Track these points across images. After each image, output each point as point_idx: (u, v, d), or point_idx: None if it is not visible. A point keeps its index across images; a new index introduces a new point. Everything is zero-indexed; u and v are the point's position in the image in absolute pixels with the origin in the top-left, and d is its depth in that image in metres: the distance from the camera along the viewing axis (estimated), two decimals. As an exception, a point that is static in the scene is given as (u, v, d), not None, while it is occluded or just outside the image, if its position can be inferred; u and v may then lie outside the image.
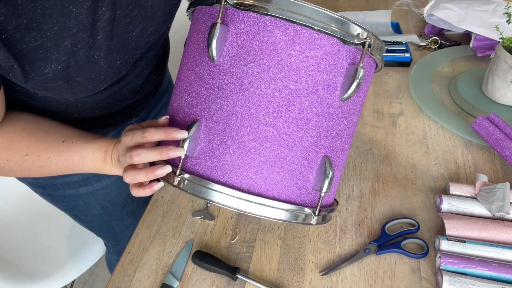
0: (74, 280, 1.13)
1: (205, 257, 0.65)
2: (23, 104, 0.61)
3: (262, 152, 0.49)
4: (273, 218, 0.49)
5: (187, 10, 0.56)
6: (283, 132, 0.49)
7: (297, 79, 0.48)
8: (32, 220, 1.18)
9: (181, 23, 0.89)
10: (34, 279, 1.04)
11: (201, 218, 0.73)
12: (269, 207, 0.49)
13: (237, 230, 0.71)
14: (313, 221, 0.51)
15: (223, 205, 0.48)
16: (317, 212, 0.51)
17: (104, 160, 0.59)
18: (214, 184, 0.48)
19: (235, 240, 0.70)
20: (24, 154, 0.56)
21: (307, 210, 0.51)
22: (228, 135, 0.49)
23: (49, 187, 0.80)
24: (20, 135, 0.56)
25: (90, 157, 0.59)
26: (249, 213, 0.48)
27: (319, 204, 0.51)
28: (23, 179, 0.81)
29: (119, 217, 0.91)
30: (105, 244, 1.12)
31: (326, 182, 0.50)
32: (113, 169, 0.60)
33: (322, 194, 0.51)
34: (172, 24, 0.69)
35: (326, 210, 0.54)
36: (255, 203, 0.48)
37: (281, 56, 0.47)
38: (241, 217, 0.73)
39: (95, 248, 1.13)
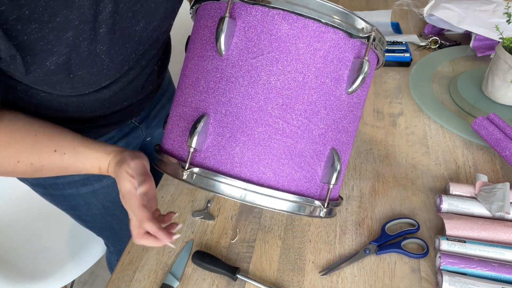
0: (74, 280, 1.13)
1: (205, 257, 0.65)
2: (24, 103, 0.61)
3: (271, 144, 0.49)
4: (283, 210, 0.50)
5: (191, 7, 0.56)
6: (292, 124, 0.49)
7: (305, 71, 0.48)
8: (32, 220, 1.18)
9: (182, 23, 0.89)
10: (34, 279, 1.04)
11: (201, 218, 0.73)
12: (279, 199, 0.49)
13: (237, 230, 0.71)
14: (322, 214, 0.52)
15: (233, 198, 0.48)
16: (326, 205, 0.51)
17: (99, 171, 0.60)
18: (223, 177, 0.48)
19: (235, 240, 0.70)
20: (15, 161, 0.55)
21: (317, 202, 0.51)
22: (238, 127, 0.49)
23: (50, 187, 0.80)
24: (8, 141, 0.55)
25: (85, 170, 0.60)
26: (259, 205, 0.49)
27: (328, 196, 0.52)
28: (23, 179, 0.82)
29: (120, 217, 0.91)
30: (105, 244, 1.12)
31: (335, 174, 0.51)
32: (110, 174, 0.60)
33: (331, 186, 0.51)
34: (173, 25, 0.69)
35: (332, 204, 0.54)
36: (265, 195, 0.49)
37: (289, 49, 0.48)
38: (241, 217, 0.73)
39: (95, 248, 1.13)
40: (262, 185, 0.49)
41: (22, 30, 0.45)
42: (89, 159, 0.58)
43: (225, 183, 0.48)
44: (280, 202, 0.49)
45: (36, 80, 0.53)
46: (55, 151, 0.57)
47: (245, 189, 0.48)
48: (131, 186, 0.54)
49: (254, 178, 0.49)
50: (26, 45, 0.47)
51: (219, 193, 0.48)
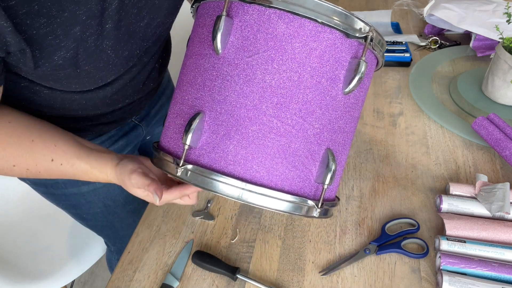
0: (74, 280, 1.13)
1: (205, 257, 0.65)
2: (28, 101, 0.61)
3: (265, 143, 0.49)
4: (276, 209, 0.50)
5: (192, 6, 0.56)
6: (286, 123, 0.49)
7: (301, 71, 0.48)
8: (32, 220, 1.18)
9: (182, 24, 0.89)
10: (34, 279, 1.04)
11: (201, 218, 0.73)
12: (272, 198, 0.49)
13: (237, 230, 0.71)
14: (316, 214, 0.52)
15: (225, 195, 0.48)
16: (319, 205, 0.51)
17: (96, 181, 0.60)
18: (217, 175, 0.48)
19: (235, 240, 0.70)
20: (11, 164, 0.56)
21: (310, 202, 0.51)
22: (232, 125, 0.49)
23: (52, 186, 0.80)
24: (7, 141, 0.55)
25: (82, 178, 0.60)
26: (252, 203, 0.49)
27: (322, 196, 0.52)
28: (24, 178, 0.82)
29: (121, 215, 0.92)
30: (105, 243, 1.12)
31: (329, 174, 0.51)
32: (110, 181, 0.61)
33: (325, 186, 0.51)
34: (173, 25, 0.69)
35: (328, 204, 0.54)
36: (258, 193, 0.49)
37: (285, 48, 0.48)
38: (241, 217, 0.73)
39: (95, 248, 1.13)
40: (255, 183, 0.49)
41: (31, 25, 0.46)
42: (85, 173, 0.59)
43: (218, 180, 0.48)
44: (274, 201, 0.49)
45: (43, 75, 0.53)
46: (52, 160, 0.57)
47: (239, 187, 0.48)
48: (143, 191, 0.56)
49: (247, 176, 0.49)
50: (35, 40, 0.47)
51: (212, 191, 0.49)
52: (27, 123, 0.58)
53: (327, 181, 0.51)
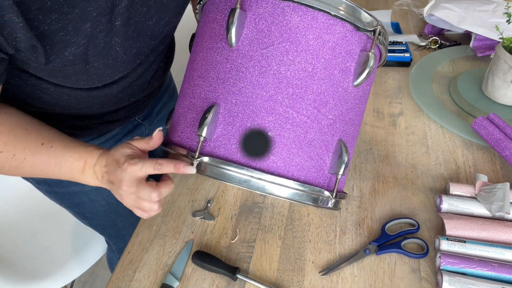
0: (74, 280, 1.13)
1: (205, 257, 0.65)
2: (34, 98, 0.61)
3: (282, 133, 0.50)
4: (293, 199, 0.50)
5: (198, 3, 0.57)
6: (302, 113, 0.50)
7: (315, 62, 0.49)
8: (33, 220, 1.19)
9: (181, 24, 0.89)
10: (34, 279, 1.04)
11: (201, 218, 0.73)
12: (289, 188, 0.50)
13: (237, 230, 0.71)
14: (331, 204, 0.53)
15: (244, 187, 0.49)
16: (334, 195, 0.52)
17: (82, 171, 0.57)
18: (232, 165, 0.49)
19: (235, 240, 0.70)
20: None
21: (326, 193, 0.52)
22: (248, 116, 0.49)
23: (55, 184, 0.81)
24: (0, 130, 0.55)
25: (68, 165, 0.57)
26: (271, 193, 0.49)
27: (336, 186, 0.52)
28: (27, 178, 0.82)
29: (123, 214, 0.92)
30: (107, 242, 1.12)
31: (343, 165, 0.51)
32: (91, 181, 0.57)
33: (339, 176, 0.52)
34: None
35: (340, 196, 0.55)
36: (274, 183, 0.49)
37: (299, 40, 0.49)
38: (241, 217, 0.73)
39: (95, 248, 1.13)
40: (272, 173, 0.49)
41: (43, 20, 0.46)
42: (76, 152, 0.57)
43: (235, 171, 0.49)
44: (291, 191, 0.50)
45: (53, 71, 0.54)
46: (42, 144, 0.56)
47: (257, 178, 0.49)
48: (131, 151, 0.53)
49: (264, 166, 0.50)
50: (46, 36, 0.48)
51: (229, 182, 0.49)
52: (23, 116, 0.58)
53: (340, 172, 0.51)
